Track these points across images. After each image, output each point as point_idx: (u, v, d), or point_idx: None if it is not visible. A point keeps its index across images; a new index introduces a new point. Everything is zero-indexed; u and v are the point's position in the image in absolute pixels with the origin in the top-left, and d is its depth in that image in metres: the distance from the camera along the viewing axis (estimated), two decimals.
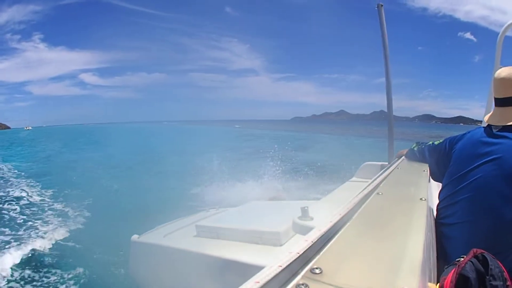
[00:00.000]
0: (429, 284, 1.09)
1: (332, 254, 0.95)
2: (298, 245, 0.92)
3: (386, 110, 4.34)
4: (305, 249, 0.90)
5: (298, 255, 0.85)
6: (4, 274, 5.95)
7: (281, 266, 0.78)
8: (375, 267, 0.86)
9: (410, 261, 0.87)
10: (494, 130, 1.84)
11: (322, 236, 1.00)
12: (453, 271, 1.13)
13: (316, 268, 0.82)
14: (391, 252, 0.95)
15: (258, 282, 0.70)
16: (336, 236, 1.07)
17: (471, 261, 1.16)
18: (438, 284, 1.14)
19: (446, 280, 1.11)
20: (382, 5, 3.95)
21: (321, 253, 0.94)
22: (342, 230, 1.12)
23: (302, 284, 0.75)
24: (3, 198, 11.49)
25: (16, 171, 17.80)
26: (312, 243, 0.94)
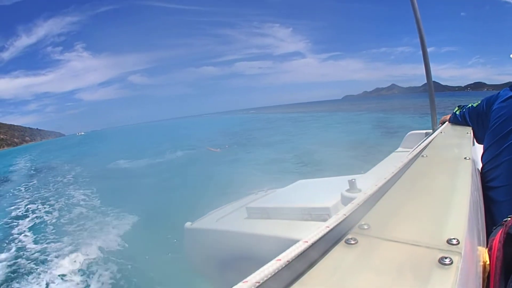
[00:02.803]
0: (479, 247, 1.08)
1: (379, 212, 0.97)
2: (345, 208, 0.94)
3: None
4: (352, 210, 0.92)
5: (345, 216, 0.88)
6: (73, 267, 6.59)
7: (328, 227, 0.81)
8: (422, 222, 0.87)
9: (457, 216, 0.88)
10: None
11: (368, 198, 1.03)
12: (501, 231, 1.10)
13: (364, 224, 0.85)
14: (437, 209, 0.96)
15: (307, 242, 0.73)
16: (383, 197, 1.09)
17: None
18: (487, 247, 1.12)
19: (494, 241, 1.09)
20: None
21: (369, 211, 0.97)
22: (389, 191, 1.14)
23: (351, 238, 0.79)
24: (61, 200, 12.54)
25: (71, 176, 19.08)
26: (358, 205, 0.96)
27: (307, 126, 36.58)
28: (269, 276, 0.63)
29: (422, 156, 1.67)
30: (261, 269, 0.64)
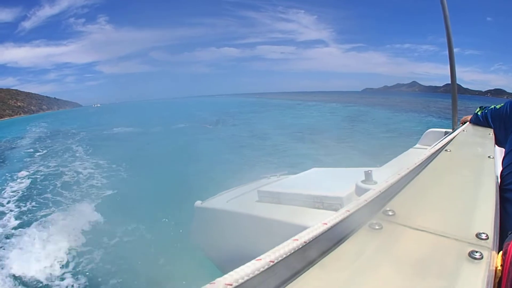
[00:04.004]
0: (492, 252, 1.06)
1: (404, 199, 0.96)
2: (366, 194, 0.91)
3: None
4: (373, 197, 0.91)
5: (366, 202, 0.86)
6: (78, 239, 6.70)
7: (348, 211, 0.80)
8: (448, 214, 0.86)
9: (485, 211, 0.87)
10: None
11: (390, 186, 1.01)
12: None
13: (389, 210, 0.84)
14: (464, 202, 0.95)
15: (326, 224, 0.71)
16: (407, 185, 1.07)
17: None
18: (501, 251, 1.09)
19: (510, 245, 1.05)
20: None
21: (393, 199, 0.96)
22: (413, 180, 1.13)
23: (376, 223, 0.77)
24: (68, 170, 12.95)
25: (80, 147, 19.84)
26: (380, 192, 0.94)
27: (288, 112, 41.12)
28: (284, 256, 0.61)
29: (446, 150, 1.68)
30: (276, 248, 0.62)
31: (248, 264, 0.56)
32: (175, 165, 12.07)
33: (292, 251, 0.62)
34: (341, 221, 0.75)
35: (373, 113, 35.67)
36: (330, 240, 0.72)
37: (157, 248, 6.15)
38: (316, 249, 0.68)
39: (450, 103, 4.19)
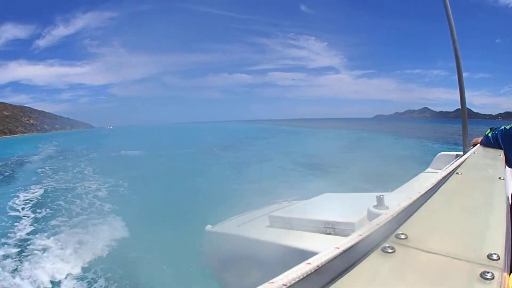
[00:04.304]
0: (504, 273, 1.06)
1: (416, 223, 0.97)
2: (378, 218, 0.93)
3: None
4: (385, 221, 0.92)
5: (378, 226, 0.87)
6: (85, 264, 6.66)
7: (361, 235, 0.81)
8: (460, 236, 0.88)
9: (496, 232, 0.88)
10: None
11: (402, 210, 1.02)
12: None
13: (401, 234, 0.85)
14: (475, 224, 0.96)
15: (338, 248, 0.72)
16: (420, 209, 1.09)
17: None
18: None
19: None
20: None
21: (405, 222, 0.97)
22: (425, 204, 1.14)
23: (389, 247, 0.78)
24: (79, 191, 13.06)
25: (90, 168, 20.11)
26: (391, 216, 0.96)
27: (292, 139, 42.34)
28: (297, 279, 0.62)
29: (457, 173, 1.69)
30: (289, 271, 0.64)
31: (260, 287, 0.58)
32: (183, 186, 12.40)
33: (305, 275, 0.63)
34: (353, 245, 0.76)
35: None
36: (343, 264, 0.72)
37: (165, 269, 6.11)
38: (329, 273, 0.68)
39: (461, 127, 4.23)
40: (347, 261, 0.73)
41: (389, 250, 0.77)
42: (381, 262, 0.74)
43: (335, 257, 0.70)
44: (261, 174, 15.00)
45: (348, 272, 0.70)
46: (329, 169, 15.53)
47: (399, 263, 0.74)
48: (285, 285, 0.60)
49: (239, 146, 32.80)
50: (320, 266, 0.66)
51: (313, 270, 0.65)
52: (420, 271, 0.69)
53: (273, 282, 0.59)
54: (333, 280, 0.68)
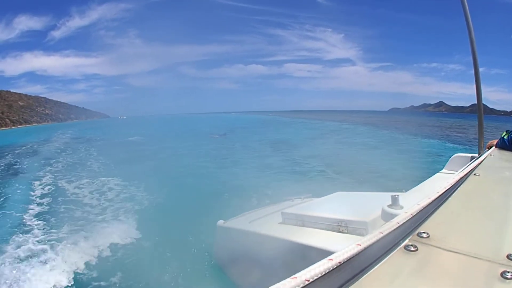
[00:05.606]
0: None
1: (437, 222, 0.99)
2: (398, 216, 0.94)
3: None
4: (405, 219, 0.94)
5: (398, 224, 0.89)
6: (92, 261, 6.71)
7: (381, 233, 0.82)
8: (480, 236, 0.90)
9: None
10: None
11: (422, 209, 1.04)
12: None
13: (424, 233, 0.88)
14: (494, 224, 0.98)
15: (360, 245, 0.74)
16: (439, 208, 1.11)
17: None
18: None
19: None
20: None
21: (427, 221, 0.99)
22: (445, 203, 1.16)
23: (411, 245, 0.80)
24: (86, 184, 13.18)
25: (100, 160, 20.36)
26: (411, 215, 0.98)
27: (283, 129, 44.54)
28: (319, 275, 0.64)
29: (475, 174, 1.72)
30: (311, 266, 0.65)
31: (283, 282, 0.59)
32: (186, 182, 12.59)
33: (327, 271, 0.65)
34: (374, 242, 0.78)
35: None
36: (365, 261, 0.75)
37: (175, 265, 6.15)
38: (351, 269, 0.70)
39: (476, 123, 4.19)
40: (369, 258, 0.76)
41: (412, 249, 0.79)
42: (404, 260, 0.77)
43: (357, 254, 0.72)
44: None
45: (370, 269, 0.73)
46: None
47: (422, 262, 0.76)
48: (308, 280, 0.61)
49: (232, 133, 36.69)
50: (342, 262, 0.68)
51: (335, 266, 0.67)
52: (442, 270, 0.71)
53: (296, 277, 0.61)
54: (355, 276, 0.70)
